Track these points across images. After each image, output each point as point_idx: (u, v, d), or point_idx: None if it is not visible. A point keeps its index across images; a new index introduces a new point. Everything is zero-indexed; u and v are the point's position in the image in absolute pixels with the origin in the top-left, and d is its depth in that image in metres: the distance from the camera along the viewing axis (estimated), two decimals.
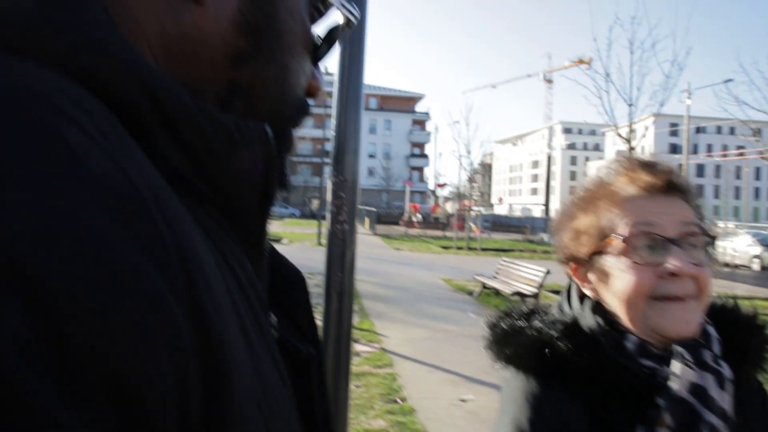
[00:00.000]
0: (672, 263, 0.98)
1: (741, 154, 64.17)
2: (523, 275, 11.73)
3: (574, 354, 1.02)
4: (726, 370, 0.98)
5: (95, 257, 0.29)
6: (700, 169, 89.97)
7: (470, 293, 13.58)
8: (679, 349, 0.98)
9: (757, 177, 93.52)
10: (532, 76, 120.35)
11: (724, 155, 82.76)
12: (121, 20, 0.45)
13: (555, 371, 1.03)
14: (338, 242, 2.61)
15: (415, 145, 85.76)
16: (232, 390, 0.36)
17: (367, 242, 29.44)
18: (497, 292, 12.71)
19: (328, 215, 2.64)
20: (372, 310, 10.78)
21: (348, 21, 0.61)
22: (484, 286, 13.17)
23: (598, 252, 1.07)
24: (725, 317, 1.10)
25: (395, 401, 5.91)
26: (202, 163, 0.44)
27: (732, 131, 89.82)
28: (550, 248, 1.29)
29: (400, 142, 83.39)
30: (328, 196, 2.63)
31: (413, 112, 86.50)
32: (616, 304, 1.05)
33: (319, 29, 0.63)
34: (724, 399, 0.95)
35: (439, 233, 40.06)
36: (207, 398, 0.34)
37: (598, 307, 1.08)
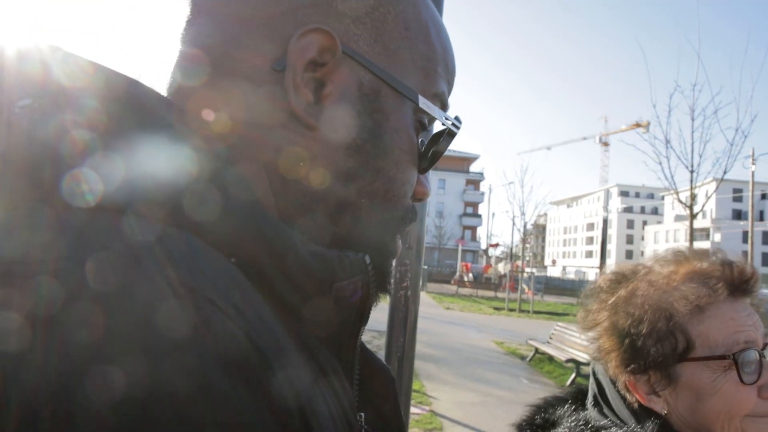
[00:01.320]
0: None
1: None
2: (578, 342, 11.42)
3: None
4: None
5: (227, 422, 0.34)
6: (767, 237, 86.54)
7: (523, 358, 13.30)
8: None
9: None
10: (587, 138, 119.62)
11: None
12: (241, 149, 0.55)
13: None
14: (401, 307, 2.67)
15: (468, 204, 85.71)
16: None
17: None
18: (551, 358, 12.40)
19: (391, 280, 2.70)
20: (422, 371, 10.64)
21: (451, 131, 0.66)
22: (537, 351, 12.88)
23: (676, 363, 0.98)
24: None
25: None
26: (308, 295, 0.51)
27: None
28: None
29: (454, 201, 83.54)
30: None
31: (467, 172, 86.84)
32: (701, 421, 0.96)
33: (425, 139, 0.67)
34: None
35: (490, 293, 39.52)
36: None
37: (665, 422, 0.99)
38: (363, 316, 0.57)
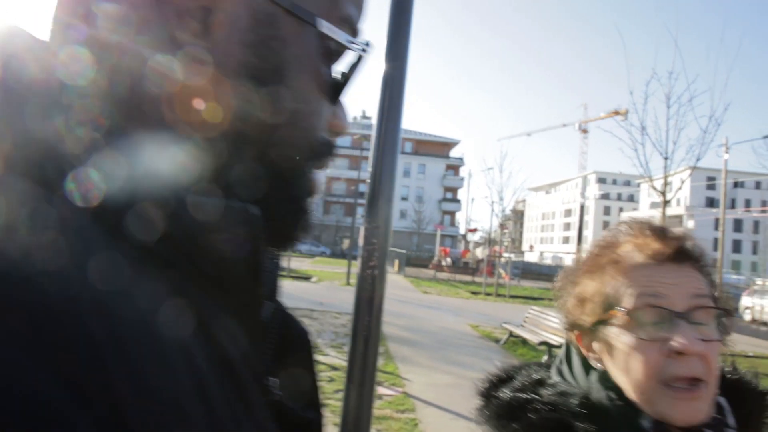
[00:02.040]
0: (678, 341, 0.93)
1: None
2: (552, 325, 11.57)
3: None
4: None
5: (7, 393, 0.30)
6: (738, 224, 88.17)
7: (497, 341, 13.43)
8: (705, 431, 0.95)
9: None
10: (567, 125, 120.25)
11: (763, 211, 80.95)
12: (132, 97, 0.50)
13: None
14: (367, 286, 2.65)
15: (447, 189, 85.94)
16: None
17: (395, 284, 29.32)
18: (524, 341, 12.56)
19: (359, 259, 2.70)
20: (397, 354, 10.73)
21: (360, 56, 0.61)
22: (511, 335, 13.03)
23: (603, 322, 1.02)
24: (733, 385, 1.06)
25: None
26: (182, 248, 0.46)
27: None
28: None
29: (434, 186, 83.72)
30: (360, 241, 2.69)
31: (447, 157, 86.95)
32: (623, 380, 0.99)
33: (337, 67, 0.62)
34: None
35: (468, 278, 39.79)
36: None
37: (605, 378, 1.03)
38: (257, 272, 0.51)
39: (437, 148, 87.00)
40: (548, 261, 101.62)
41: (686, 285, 0.99)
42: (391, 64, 2.32)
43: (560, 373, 1.11)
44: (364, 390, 2.59)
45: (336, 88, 0.61)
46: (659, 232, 1.05)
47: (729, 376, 1.08)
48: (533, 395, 1.01)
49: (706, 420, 0.95)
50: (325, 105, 0.60)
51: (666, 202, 14.24)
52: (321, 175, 0.63)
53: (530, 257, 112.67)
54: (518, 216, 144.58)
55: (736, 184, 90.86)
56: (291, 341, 0.66)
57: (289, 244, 0.61)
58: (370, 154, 2.69)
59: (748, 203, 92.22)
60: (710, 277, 1.03)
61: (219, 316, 0.49)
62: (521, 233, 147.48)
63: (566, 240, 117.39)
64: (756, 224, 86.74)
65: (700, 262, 1.03)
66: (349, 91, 0.63)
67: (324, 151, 0.61)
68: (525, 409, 1.00)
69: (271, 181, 0.56)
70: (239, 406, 0.46)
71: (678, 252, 1.01)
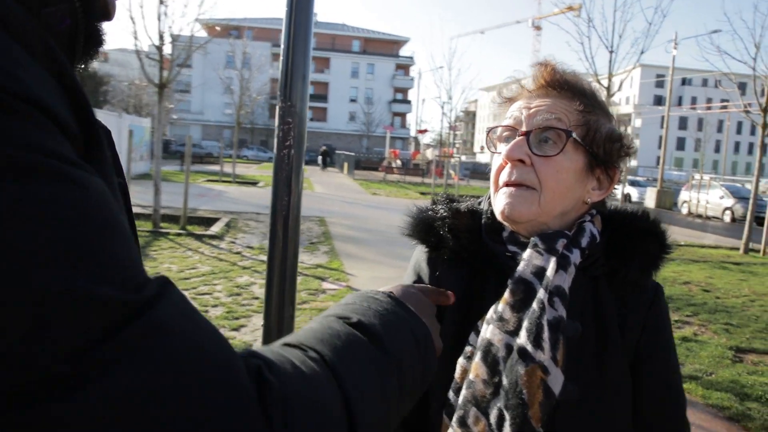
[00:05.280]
0: (501, 151, 1.09)
1: (724, 107, 63.95)
2: None
3: (455, 236, 1.15)
4: (574, 256, 1.04)
5: None
6: (683, 122, 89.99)
7: None
8: (534, 238, 1.07)
9: (739, 131, 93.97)
10: (521, 22, 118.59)
11: (708, 108, 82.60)
12: None
13: (439, 246, 1.17)
14: (285, 167, 2.60)
15: (398, 90, 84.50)
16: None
17: (344, 186, 29.39)
18: None
19: (275, 140, 2.62)
20: (342, 251, 10.86)
21: None
22: None
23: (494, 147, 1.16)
24: (630, 222, 1.15)
25: None
26: (19, 21, 0.48)
27: (717, 84, 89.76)
28: None
29: (383, 87, 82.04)
30: (276, 122, 2.61)
31: (397, 56, 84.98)
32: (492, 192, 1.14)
33: None
34: (563, 278, 1.03)
35: (418, 179, 40.10)
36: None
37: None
38: (74, 46, 0.60)
39: (386, 46, 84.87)
40: None
41: (541, 108, 1.08)
42: None
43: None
44: (286, 270, 2.57)
45: None
46: (539, 67, 1.13)
47: (629, 214, 1.18)
48: (437, 208, 1.20)
49: (549, 232, 1.07)
50: None
51: (610, 95, 14.34)
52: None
53: (482, 158, 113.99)
54: (470, 117, 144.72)
55: (683, 82, 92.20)
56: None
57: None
58: (282, 30, 2.54)
59: (694, 100, 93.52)
60: (585, 105, 1.10)
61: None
62: (473, 134, 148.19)
63: None
64: (700, 121, 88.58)
65: (573, 90, 1.11)
66: None
67: None
68: (423, 215, 1.21)
69: None
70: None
71: (550, 82, 1.11)
